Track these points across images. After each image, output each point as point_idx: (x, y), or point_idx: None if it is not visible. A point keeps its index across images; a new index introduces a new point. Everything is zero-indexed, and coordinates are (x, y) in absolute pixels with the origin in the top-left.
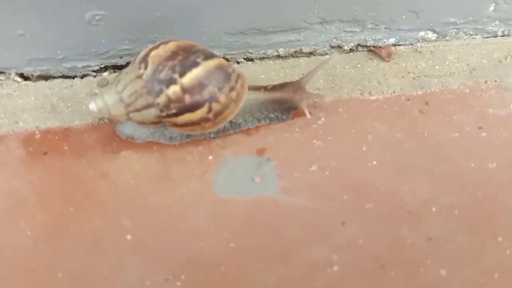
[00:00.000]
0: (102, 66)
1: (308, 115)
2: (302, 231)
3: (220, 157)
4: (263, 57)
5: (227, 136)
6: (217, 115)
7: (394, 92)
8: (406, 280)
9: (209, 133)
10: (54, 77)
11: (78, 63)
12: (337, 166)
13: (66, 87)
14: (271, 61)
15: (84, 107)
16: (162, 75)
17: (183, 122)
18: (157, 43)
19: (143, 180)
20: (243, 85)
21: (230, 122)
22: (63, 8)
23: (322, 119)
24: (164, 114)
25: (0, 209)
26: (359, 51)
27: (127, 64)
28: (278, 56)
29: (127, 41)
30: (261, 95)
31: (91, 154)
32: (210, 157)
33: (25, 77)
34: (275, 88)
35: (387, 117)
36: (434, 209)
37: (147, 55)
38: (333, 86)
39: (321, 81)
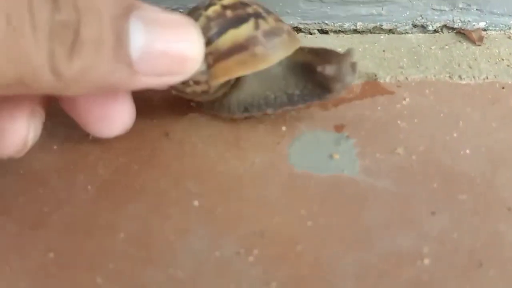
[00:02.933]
0: None
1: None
2: (386, 216)
3: (295, 129)
4: (339, 30)
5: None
6: (267, 35)
7: (487, 78)
8: (508, 280)
9: (266, 106)
10: None
11: None
12: (425, 150)
13: None
14: (348, 35)
15: None
16: (201, 3)
17: (229, 47)
18: None
19: (211, 145)
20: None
21: (287, 94)
22: None
23: (407, 99)
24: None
25: (60, 161)
26: (444, 33)
27: None
28: (355, 31)
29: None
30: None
31: (156, 112)
32: (284, 128)
33: None
34: (317, 52)
35: (480, 104)
36: None
37: None
38: (418, 65)
39: (404, 59)
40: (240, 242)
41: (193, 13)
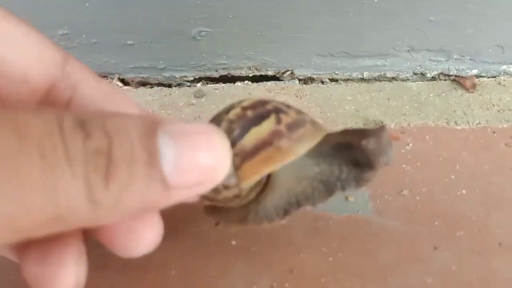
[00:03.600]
0: (197, 77)
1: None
2: (396, 253)
3: None
4: (348, 79)
5: None
6: (291, 127)
7: (479, 123)
8: None
9: (305, 201)
10: (152, 84)
11: (176, 73)
12: (427, 192)
13: (165, 95)
14: (355, 83)
15: (183, 115)
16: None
17: (253, 146)
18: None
19: None
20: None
21: (322, 182)
22: (174, 23)
23: (410, 145)
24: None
25: None
26: (441, 80)
27: (220, 77)
28: (362, 79)
29: (224, 56)
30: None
31: None
32: None
33: (125, 82)
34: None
35: (474, 148)
36: None
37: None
38: (419, 112)
39: (407, 107)
40: (273, 277)
41: (215, 119)
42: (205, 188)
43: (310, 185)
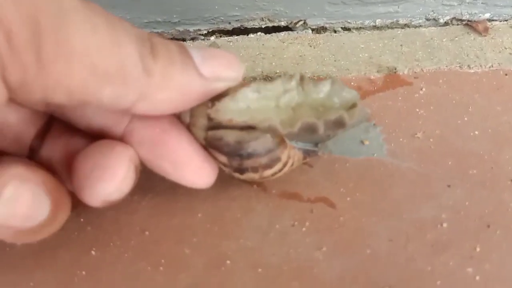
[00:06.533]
0: (210, 30)
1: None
2: (410, 191)
3: None
4: (360, 27)
5: None
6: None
7: (492, 66)
8: (510, 238)
9: None
10: (166, 39)
11: (190, 27)
12: (441, 134)
13: None
14: (368, 31)
15: None
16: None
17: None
18: None
19: None
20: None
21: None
22: None
23: (424, 89)
24: None
25: None
26: (454, 25)
27: (234, 29)
28: (375, 27)
29: (237, 8)
30: None
31: None
32: None
33: None
34: None
35: (486, 90)
36: None
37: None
38: (432, 58)
39: (420, 52)
40: (294, 216)
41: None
42: (229, 81)
43: None
